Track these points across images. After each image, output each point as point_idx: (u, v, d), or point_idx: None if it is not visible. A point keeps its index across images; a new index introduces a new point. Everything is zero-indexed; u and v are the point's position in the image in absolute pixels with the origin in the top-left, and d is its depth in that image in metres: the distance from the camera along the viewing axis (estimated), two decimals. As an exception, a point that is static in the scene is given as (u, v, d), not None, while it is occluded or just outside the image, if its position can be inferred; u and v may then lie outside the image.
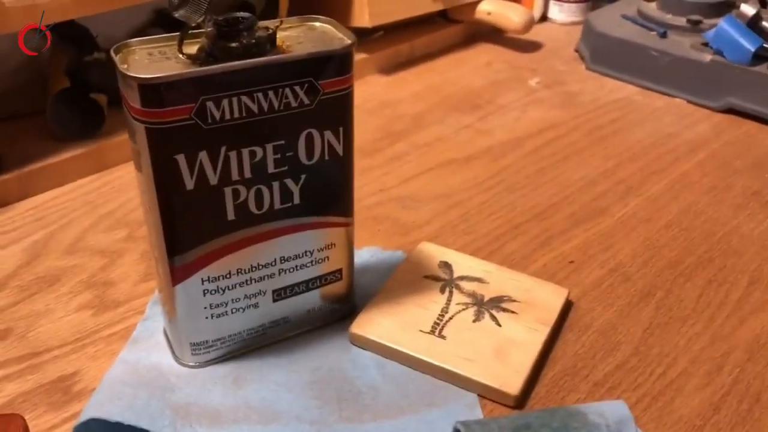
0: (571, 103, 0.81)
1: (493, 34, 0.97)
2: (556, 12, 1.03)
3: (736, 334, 0.49)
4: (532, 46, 0.95)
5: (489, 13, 0.92)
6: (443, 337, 0.46)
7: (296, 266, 0.45)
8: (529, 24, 0.91)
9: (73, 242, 0.57)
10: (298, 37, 0.41)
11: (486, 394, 0.44)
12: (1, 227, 0.58)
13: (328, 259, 0.46)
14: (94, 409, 0.40)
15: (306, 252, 0.45)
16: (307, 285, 0.46)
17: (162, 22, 0.76)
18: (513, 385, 0.43)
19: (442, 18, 0.95)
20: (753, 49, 0.75)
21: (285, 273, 0.45)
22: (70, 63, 0.67)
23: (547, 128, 0.75)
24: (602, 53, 0.87)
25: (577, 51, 0.93)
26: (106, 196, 0.62)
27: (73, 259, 0.55)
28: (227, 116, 0.38)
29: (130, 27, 0.76)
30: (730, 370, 0.46)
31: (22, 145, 0.64)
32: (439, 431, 0.41)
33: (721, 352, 0.47)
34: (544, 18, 1.04)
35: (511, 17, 0.91)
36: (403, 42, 0.89)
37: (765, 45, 0.76)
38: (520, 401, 0.43)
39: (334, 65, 0.40)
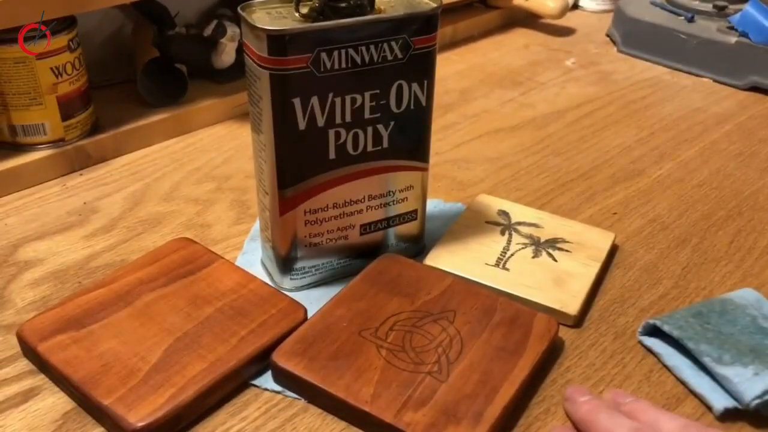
0: (605, 81, 0.87)
1: (528, 19, 1.03)
2: (587, 1, 1.09)
3: (765, 273, 0.55)
4: (566, 31, 1.02)
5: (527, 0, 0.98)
6: (507, 269, 0.53)
7: (381, 204, 0.51)
8: (564, 10, 0.98)
9: (168, 192, 0.63)
10: (390, 1, 0.48)
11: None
12: (102, 179, 0.65)
13: (406, 200, 0.53)
14: None
15: (389, 192, 0.51)
16: (388, 222, 0.53)
17: (229, 3, 0.83)
18: (572, 307, 0.49)
19: (481, 4, 1.02)
20: (776, 31, 0.81)
21: (371, 210, 0.51)
22: (154, 37, 0.73)
23: (585, 102, 0.82)
24: (633, 37, 0.94)
25: (608, 35, 0.99)
26: (191, 155, 0.69)
27: (171, 205, 0.61)
28: (336, 66, 0.44)
29: (200, 7, 0.83)
30: (760, 301, 0.52)
31: (114, 110, 0.71)
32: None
33: (752, 287, 0.53)
34: (575, 6, 1.10)
35: (548, 3, 0.97)
36: (446, 25, 0.95)
37: (787, 27, 0.82)
38: (578, 321, 0.50)
39: (424, 24, 0.46)
